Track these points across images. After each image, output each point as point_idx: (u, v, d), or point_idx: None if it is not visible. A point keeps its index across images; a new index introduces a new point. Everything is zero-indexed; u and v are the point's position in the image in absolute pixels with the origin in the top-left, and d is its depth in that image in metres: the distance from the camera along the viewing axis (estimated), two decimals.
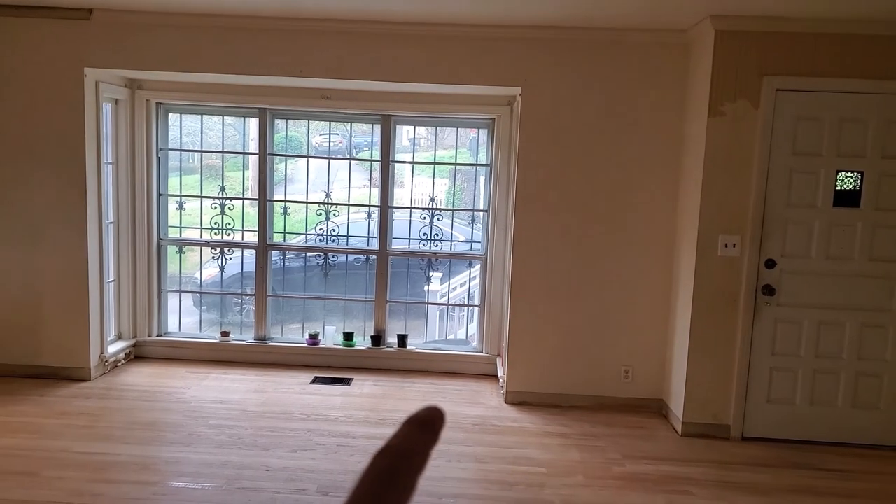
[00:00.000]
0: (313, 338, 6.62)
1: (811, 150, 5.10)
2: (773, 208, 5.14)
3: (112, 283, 6.35)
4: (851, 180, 5.21)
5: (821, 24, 4.93)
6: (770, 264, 5.18)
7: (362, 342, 6.68)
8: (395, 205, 6.61)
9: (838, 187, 5.17)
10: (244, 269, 6.88)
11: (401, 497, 0.43)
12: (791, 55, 5.01)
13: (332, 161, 6.67)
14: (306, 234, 6.85)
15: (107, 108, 6.11)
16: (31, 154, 5.76)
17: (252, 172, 6.72)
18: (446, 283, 7.03)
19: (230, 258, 6.80)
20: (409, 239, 6.72)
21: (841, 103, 5.05)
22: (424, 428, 0.46)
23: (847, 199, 5.17)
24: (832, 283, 5.19)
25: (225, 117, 6.65)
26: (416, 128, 6.70)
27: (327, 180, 6.59)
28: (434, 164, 6.66)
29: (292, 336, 6.86)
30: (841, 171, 5.16)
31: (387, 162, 6.48)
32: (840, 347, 5.25)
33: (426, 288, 6.87)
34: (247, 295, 6.89)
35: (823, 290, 5.20)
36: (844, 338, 5.24)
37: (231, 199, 6.72)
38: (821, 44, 4.98)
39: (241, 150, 6.89)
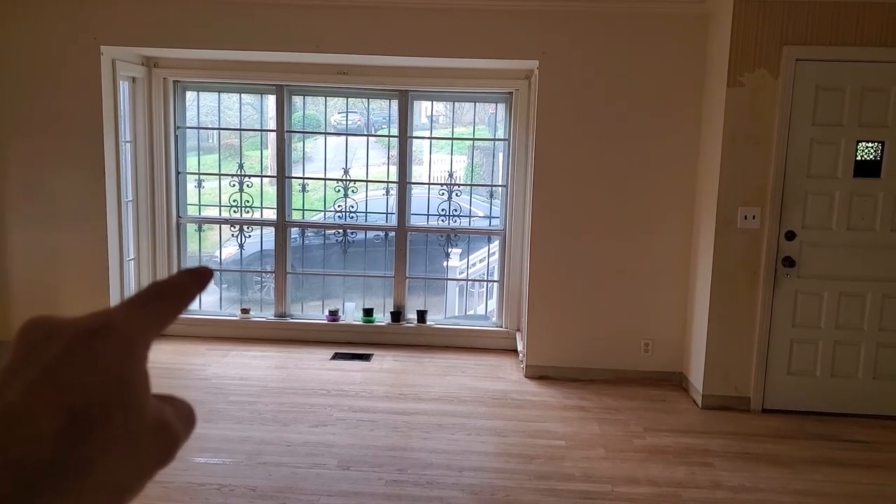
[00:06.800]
0: (333, 314, 6.64)
1: (831, 121, 5.04)
2: (792, 179, 5.10)
3: (132, 262, 6.39)
4: (872, 150, 5.16)
5: None
6: (790, 236, 5.14)
7: (382, 318, 6.69)
8: (413, 181, 6.61)
9: (859, 157, 5.11)
10: (263, 247, 6.91)
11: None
12: (811, 24, 4.95)
13: (350, 139, 6.67)
14: (325, 211, 6.86)
15: (124, 87, 6.13)
16: (49, 133, 5.79)
17: (270, 151, 6.73)
18: (465, 259, 7.03)
19: (249, 236, 6.82)
20: (428, 215, 6.71)
21: (862, 73, 4.99)
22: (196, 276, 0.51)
23: (868, 169, 5.12)
24: (853, 254, 5.15)
25: (242, 95, 6.65)
26: (434, 105, 6.68)
27: (345, 158, 6.59)
28: (452, 139, 6.64)
29: (312, 313, 6.88)
30: (861, 142, 5.11)
31: (405, 138, 6.46)
32: (861, 319, 5.21)
33: (445, 264, 6.87)
34: (266, 272, 6.92)
35: (844, 261, 5.16)
36: (865, 309, 5.20)
37: (249, 176, 6.73)
38: (841, 12, 4.91)
39: (259, 128, 6.89)
